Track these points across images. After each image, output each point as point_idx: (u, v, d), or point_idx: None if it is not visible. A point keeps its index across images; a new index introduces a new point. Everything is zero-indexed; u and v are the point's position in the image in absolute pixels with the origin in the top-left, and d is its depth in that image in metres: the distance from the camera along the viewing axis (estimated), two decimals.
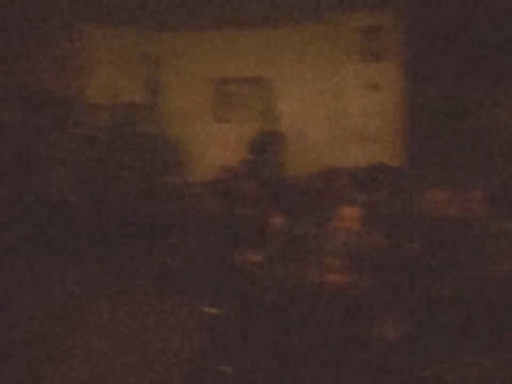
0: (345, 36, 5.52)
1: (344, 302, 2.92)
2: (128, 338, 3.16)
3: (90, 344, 3.08)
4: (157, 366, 2.77)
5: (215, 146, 5.78)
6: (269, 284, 3.23)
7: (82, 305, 3.70)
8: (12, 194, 4.47)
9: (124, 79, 5.53)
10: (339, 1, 5.04)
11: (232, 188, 4.40)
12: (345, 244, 3.39)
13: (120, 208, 4.59)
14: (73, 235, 4.66)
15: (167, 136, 5.43)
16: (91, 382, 2.63)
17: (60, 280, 4.16)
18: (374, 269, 3.20)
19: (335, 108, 5.65)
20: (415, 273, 3.06)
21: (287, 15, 5.30)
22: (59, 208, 4.79)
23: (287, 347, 2.73)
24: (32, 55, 5.80)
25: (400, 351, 2.41)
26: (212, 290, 3.42)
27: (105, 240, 4.46)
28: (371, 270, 3.19)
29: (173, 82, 5.86)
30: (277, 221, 3.77)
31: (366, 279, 3.11)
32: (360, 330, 2.60)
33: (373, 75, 5.49)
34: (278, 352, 2.72)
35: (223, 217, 4.00)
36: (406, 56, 5.23)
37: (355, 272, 3.18)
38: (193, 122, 5.82)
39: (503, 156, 4.78)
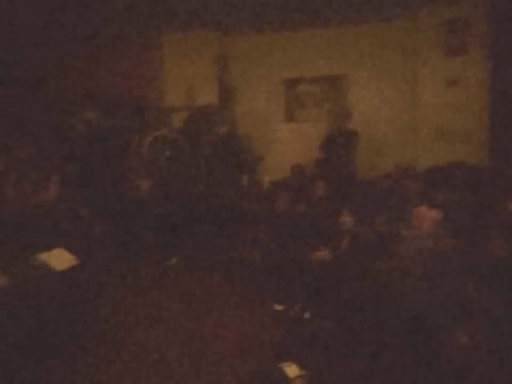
0: (426, 30, 5.29)
1: (419, 306, 2.81)
2: (197, 329, 3.27)
3: (160, 333, 3.23)
4: (225, 360, 2.83)
5: (286, 145, 5.82)
6: (339, 283, 3.20)
7: (160, 294, 3.89)
8: (100, 192, 4.82)
9: (198, 82, 5.75)
10: None
11: (303, 186, 4.40)
12: (421, 246, 3.25)
13: (196, 205, 4.77)
14: (154, 231, 4.93)
15: (240, 136, 5.55)
16: (156, 370, 2.77)
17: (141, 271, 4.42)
18: (452, 274, 3.04)
19: (414, 105, 5.44)
20: (497, 279, 2.86)
21: (363, 12, 5.19)
22: (140, 205, 5.09)
23: (357, 346, 2.68)
24: (113, 62, 6.24)
25: (472, 359, 2.28)
26: (282, 286, 3.45)
27: (182, 235, 4.67)
28: (448, 275, 3.04)
29: (245, 84, 5.98)
30: (347, 221, 3.71)
31: (442, 283, 2.97)
32: (432, 335, 2.49)
33: (455, 69, 5.22)
34: (348, 352, 2.69)
35: (294, 215, 4.01)
36: (491, 50, 4.91)
37: (431, 276, 3.05)
38: (265, 122, 5.90)
39: None
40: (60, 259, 2.78)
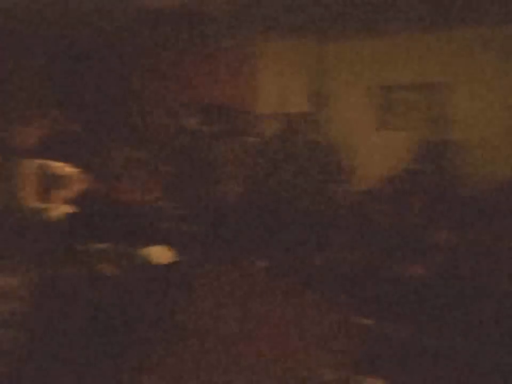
0: None
1: None
2: (274, 333, 3.28)
3: (238, 332, 3.30)
4: (302, 369, 2.82)
5: (379, 154, 5.66)
6: (428, 299, 3.06)
7: (244, 296, 3.98)
8: (195, 194, 5.08)
9: (291, 89, 5.80)
10: None
11: (396, 197, 4.27)
12: None
13: (285, 211, 4.82)
14: (238, 235, 5.07)
15: (332, 145, 5.50)
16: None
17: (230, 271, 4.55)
18: None
19: None
20: None
21: (464, 17, 4.92)
22: (227, 209, 5.25)
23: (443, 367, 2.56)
24: (206, 68, 6.52)
25: None
26: (369, 300, 3.37)
27: (270, 240, 4.74)
28: None
29: (338, 91, 5.93)
30: (442, 235, 3.53)
31: None
32: None
33: None
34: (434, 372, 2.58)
35: (386, 227, 3.90)
36: None
37: None
38: (357, 130, 5.80)
39: None
40: (159, 255, 2.97)
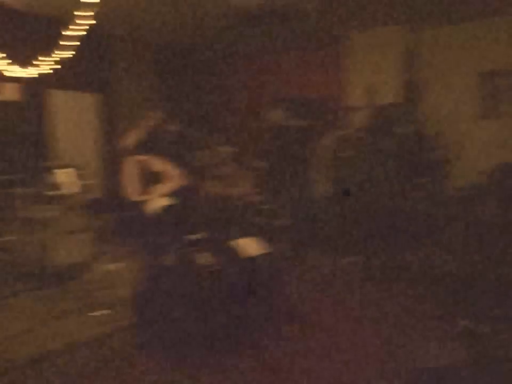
0: None
1: None
2: (368, 334, 3.18)
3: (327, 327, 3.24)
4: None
5: (484, 145, 5.23)
6: None
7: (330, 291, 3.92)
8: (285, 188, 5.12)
9: (383, 79, 5.59)
10: None
11: (504, 192, 3.90)
12: None
13: (378, 207, 4.66)
14: (330, 230, 5.00)
15: (428, 137, 5.20)
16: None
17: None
18: None
19: None
20: None
21: None
22: (318, 203, 5.21)
23: None
24: (296, 63, 6.52)
25: None
26: (475, 300, 3.14)
27: (361, 235, 4.62)
28: None
29: (434, 79, 5.60)
30: None
31: None
32: None
33: None
34: None
35: (492, 224, 3.60)
36: None
37: None
38: (457, 120, 5.42)
39: None
40: (250, 246, 3.05)
